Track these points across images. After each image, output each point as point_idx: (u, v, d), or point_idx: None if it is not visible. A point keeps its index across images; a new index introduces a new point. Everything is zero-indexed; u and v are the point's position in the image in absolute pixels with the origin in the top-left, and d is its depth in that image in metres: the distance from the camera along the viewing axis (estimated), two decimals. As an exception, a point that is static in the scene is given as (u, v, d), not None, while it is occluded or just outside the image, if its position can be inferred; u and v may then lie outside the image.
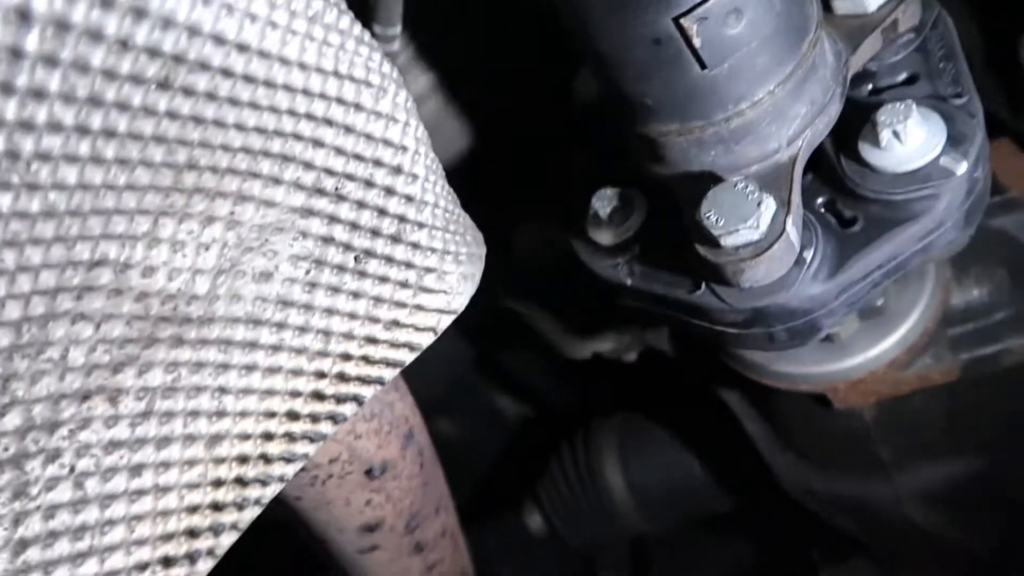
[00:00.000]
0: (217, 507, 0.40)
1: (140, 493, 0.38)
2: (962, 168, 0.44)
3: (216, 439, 0.40)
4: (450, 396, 1.05)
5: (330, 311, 0.43)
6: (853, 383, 0.61)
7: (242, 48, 0.30)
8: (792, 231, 0.44)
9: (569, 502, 1.03)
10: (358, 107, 0.38)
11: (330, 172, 0.39)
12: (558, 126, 0.68)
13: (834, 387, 0.62)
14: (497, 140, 0.71)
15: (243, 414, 0.41)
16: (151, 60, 0.27)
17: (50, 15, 0.23)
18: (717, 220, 0.44)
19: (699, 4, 0.39)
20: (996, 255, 0.63)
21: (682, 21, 0.39)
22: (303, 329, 0.42)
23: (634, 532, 1.02)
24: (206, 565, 0.40)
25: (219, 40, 0.29)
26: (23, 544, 0.34)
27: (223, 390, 0.41)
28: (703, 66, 0.41)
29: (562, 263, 0.72)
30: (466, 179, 0.51)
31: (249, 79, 0.32)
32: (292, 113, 0.35)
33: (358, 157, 0.40)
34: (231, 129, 0.33)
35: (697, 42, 0.40)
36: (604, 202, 0.53)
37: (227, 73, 0.30)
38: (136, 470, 0.38)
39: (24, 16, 0.23)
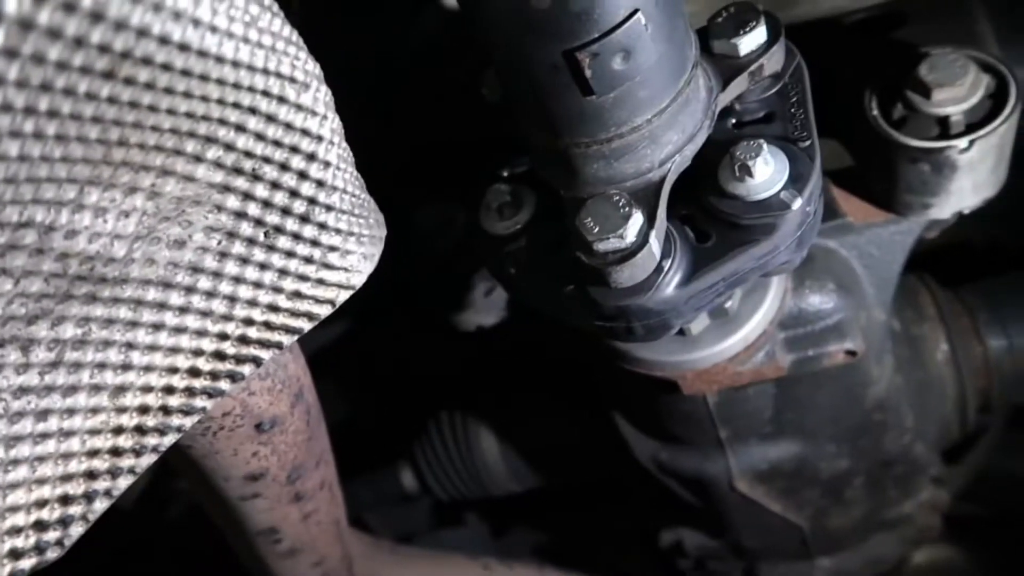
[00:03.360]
0: (117, 452, 0.44)
1: (45, 436, 0.41)
2: (797, 203, 0.52)
3: (120, 390, 0.44)
4: (330, 359, 1.09)
5: (237, 279, 0.46)
6: (699, 372, 0.70)
7: (183, 48, 0.33)
8: (654, 243, 0.51)
9: (444, 462, 1.09)
10: (281, 99, 0.41)
11: (249, 155, 0.43)
12: (456, 115, 0.72)
13: (683, 375, 0.70)
14: (395, 126, 0.75)
15: (148, 368, 0.44)
16: (100, 55, 0.30)
17: (17, 16, 0.26)
18: (592, 227, 0.50)
19: (593, 41, 0.45)
20: (828, 270, 0.73)
21: (576, 54, 0.45)
22: (210, 294, 0.46)
23: (502, 492, 1.10)
24: (102, 504, 0.44)
25: (164, 41, 0.32)
26: (-68, 479, 0.37)
27: (130, 345, 0.44)
28: (591, 93, 0.47)
29: (457, 243, 0.78)
30: (365, 162, 0.54)
31: (186, 73, 0.35)
32: (221, 102, 0.39)
33: (277, 143, 0.43)
34: (163, 113, 0.36)
35: (588, 73, 0.46)
36: (497, 196, 0.59)
37: (167, 68, 0.34)
38: (42, 415, 0.41)
39: (-7, 16, 0.26)
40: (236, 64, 0.37)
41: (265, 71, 0.39)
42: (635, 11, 0.44)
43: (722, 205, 0.54)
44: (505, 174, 0.62)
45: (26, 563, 0.41)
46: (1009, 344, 0.88)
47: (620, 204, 0.50)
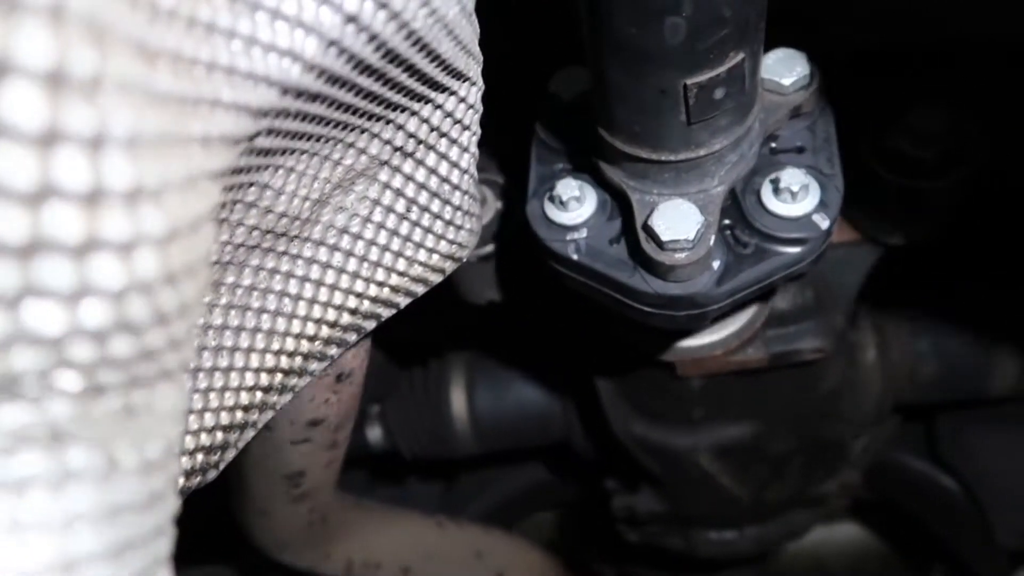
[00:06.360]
0: (267, 390, 0.49)
1: (215, 371, 0.46)
2: (825, 224, 0.63)
3: (273, 334, 0.49)
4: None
5: (373, 243, 0.52)
6: (696, 359, 0.81)
7: (431, 55, 0.39)
8: (711, 246, 0.60)
9: (413, 420, 1.15)
10: (453, 93, 0.47)
11: (413, 136, 0.48)
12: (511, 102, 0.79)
13: (683, 360, 0.81)
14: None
15: (294, 316, 0.50)
16: (379, 56, 0.36)
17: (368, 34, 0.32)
18: (664, 228, 0.59)
19: (704, 75, 0.53)
20: (809, 280, 0.85)
21: (687, 84, 0.53)
22: (350, 254, 0.51)
23: (466, 454, 1.17)
24: (249, 434, 0.49)
25: (429, 53, 0.38)
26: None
27: (284, 294, 0.49)
28: (689, 120, 0.55)
29: (489, 222, 0.84)
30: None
31: (412, 71, 0.40)
32: (412, 94, 0.44)
33: (436, 129, 0.49)
34: (381, 105, 0.42)
35: (692, 102, 0.54)
36: (567, 190, 0.66)
37: (406, 66, 0.39)
38: (217, 351, 0.45)
39: (358, 24, 0.31)
40: (444, 66, 0.43)
41: (453, 71, 0.45)
42: (743, 56, 0.52)
43: (763, 219, 0.63)
44: (566, 164, 0.69)
45: (193, 481, 0.45)
46: (923, 352, 1.04)
47: (689, 211, 0.59)
